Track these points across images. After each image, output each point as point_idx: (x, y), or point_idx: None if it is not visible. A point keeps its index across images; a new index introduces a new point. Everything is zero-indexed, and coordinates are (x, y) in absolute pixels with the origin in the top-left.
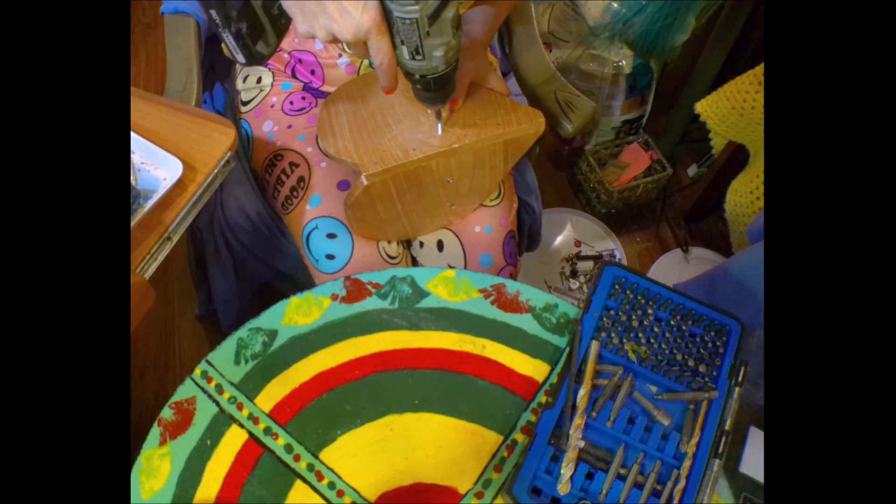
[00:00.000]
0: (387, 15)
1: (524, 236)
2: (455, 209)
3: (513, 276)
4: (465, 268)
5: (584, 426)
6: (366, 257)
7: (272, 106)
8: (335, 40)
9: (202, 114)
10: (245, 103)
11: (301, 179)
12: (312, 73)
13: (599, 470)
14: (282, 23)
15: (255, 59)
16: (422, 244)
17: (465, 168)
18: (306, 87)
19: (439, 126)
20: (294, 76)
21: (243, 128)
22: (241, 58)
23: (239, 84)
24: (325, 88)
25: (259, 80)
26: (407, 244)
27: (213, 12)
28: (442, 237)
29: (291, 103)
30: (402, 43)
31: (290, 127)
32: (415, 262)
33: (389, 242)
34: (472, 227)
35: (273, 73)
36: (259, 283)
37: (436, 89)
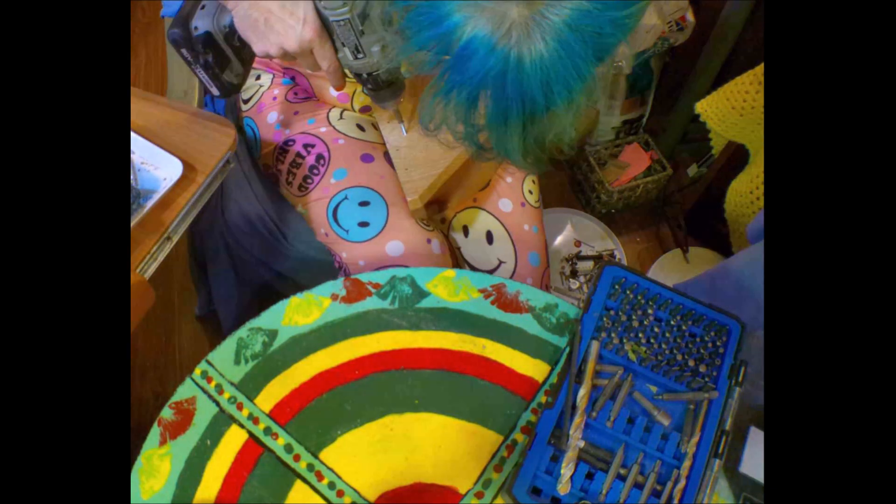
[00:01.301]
0: (325, 24)
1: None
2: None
3: (549, 276)
4: (516, 264)
5: (584, 426)
6: (403, 223)
7: (274, 98)
8: (286, 55)
9: (202, 114)
10: (246, 101)
11: (320, 157)
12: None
13: (599, 470)
14: (245, 53)
15: (226, 90)
16: (467, 232)
17: None
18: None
19: (403, 127)
20: (293, 81)
21: (248, 126)
22: (214, 90)
23: None
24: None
25: (258, 78)
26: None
27: (184, 51)
28: (491, 227)
29: (295, 94)
30: (344, 45)
31: (296, 113)
32: (458, 252)
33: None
34: (521, 224)
35: (273, 74)
36: (259, 284)
37: (384, 86)
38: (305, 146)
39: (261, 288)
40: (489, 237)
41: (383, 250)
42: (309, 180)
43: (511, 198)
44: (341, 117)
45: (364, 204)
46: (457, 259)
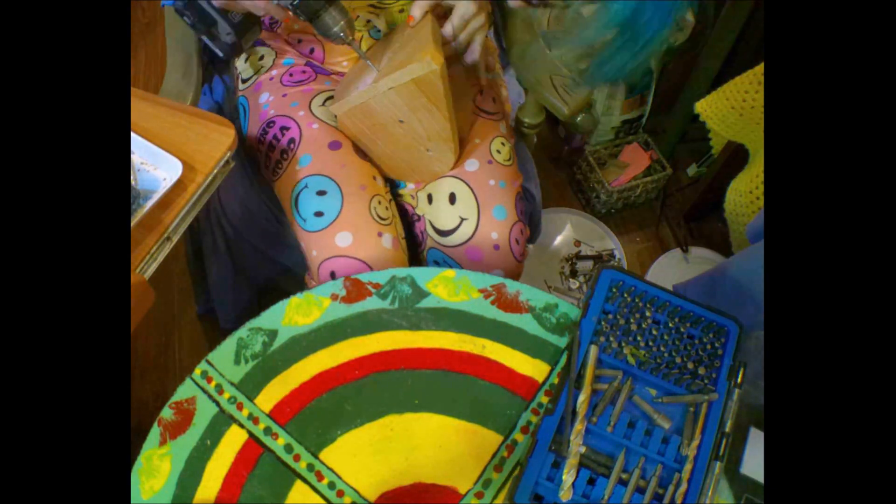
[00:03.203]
0: None
1: (524, 224)
2: (433, 156)
3: (524, 234)
4: (479, 218)
5: (585, 432)
6: (356, 215)
7: (271, 79)
8: None
9: (202, 114)
10: (245, 80)
11: (291, 141)
12: (311, 52)
13: (601, 475)
14: (231, 15)
15: (225, 51)
16: (431, 199)
17: (401, 109)
18: (308, 63)
19: (375, 67)
20: (296, 50)
21: (241, 105)
22: (218, 52)
23: (241, 65)
24: (328, 66)
25: (261, 58)
26: (410, 217)
27: (185, 18)
28: (454, 189)
29: (291, 75)
30: None
31: (284, 96)
32: (425, 221)
33: (380, 203)
34: (486, 181)
35: (276, 51)
36: (262, 281)
37: (316, 11)
38: (282, 129)
39: (264, 287)
40: (451, 198)
41: (333, 241)
42: (280, 165)
43: (477, 157)
44: (323, 104)
45: (321, 193)
46: (417, 257)
